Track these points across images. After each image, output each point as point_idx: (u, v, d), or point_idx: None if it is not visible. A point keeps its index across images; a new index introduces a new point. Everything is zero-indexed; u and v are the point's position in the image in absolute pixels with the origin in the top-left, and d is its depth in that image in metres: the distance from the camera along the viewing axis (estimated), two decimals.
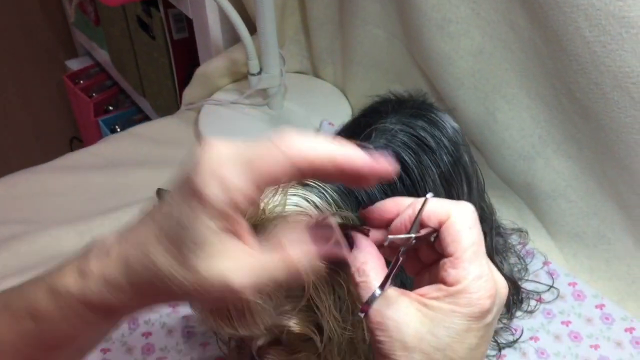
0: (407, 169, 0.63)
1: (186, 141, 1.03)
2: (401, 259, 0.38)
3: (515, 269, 0.80)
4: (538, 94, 0.77)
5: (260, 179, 0.34)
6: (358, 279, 0.38)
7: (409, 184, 0.62)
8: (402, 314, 0.36)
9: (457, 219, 0.38)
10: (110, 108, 1.62)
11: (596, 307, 0.77)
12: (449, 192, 0.66)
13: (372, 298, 0.37)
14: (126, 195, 0.91)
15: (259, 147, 0.34)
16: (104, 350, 0.72)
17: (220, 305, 0.43)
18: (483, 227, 0.75)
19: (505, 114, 0.82)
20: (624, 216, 0.75)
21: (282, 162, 0.34)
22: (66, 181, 0.93)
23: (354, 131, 0.68)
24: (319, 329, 0.49)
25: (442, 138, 0.67)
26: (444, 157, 0.66)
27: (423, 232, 0.39)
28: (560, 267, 0.81)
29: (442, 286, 0.37)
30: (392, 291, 0.37)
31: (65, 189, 0.92)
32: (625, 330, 0.74)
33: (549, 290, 0.79)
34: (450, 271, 0.36)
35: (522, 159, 0.83)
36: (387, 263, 0.40)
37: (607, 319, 0.75)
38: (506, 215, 0.86)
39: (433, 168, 0.65)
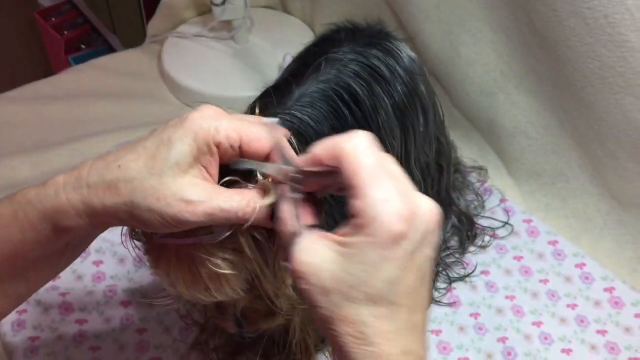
0: (358, 100, 0.61)
1: (149, 74, 1.01)
2: (295, 196, 0.38)
3: (472, 206, 0.80)
4: (501, 26, 0.75)
5: (244, 136, 0.41)
6: (281, 228, 0.38)
7: (359, 116, 0.61)
8: (319, 257, 0.35)
9: (349, 148, 0.35)
10: (82, 46, 1.59)
11: (549, 243, 0.77)
12: (403, 122, 0.65)
13: (292, 245, 0.36)
14: (84, 126, 0.90)
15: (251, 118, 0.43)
16: (21, 312, 0.71)
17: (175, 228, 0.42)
18: (440, 161, 0.75)
19: (469, 48, 0.81)
20: (581, 153, 0.74)
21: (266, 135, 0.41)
22: (24, 111, 0.92)
23: (305, 61, 0.66)
24: None
25: (397, 67, 0.65)
26: (398, 87, 0.65)
27: (315, 169, 0.38)
28: (516, 205, 0.81)
29: (352, 220, 0.35)
30: (311, 236, 0.36)
31: (23, 119, 0.90)
32: (576, 266, 0.75)
33: (503, 226, 0.79)
34: (353, 202, 0.34)
35: (484, 94, 0.82)
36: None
37: (559, 255, 0.76)
38: (468, 153, 0.86)
39: (386, 98, 0.63)
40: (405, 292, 0.35)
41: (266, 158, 0.42)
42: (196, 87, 0.95)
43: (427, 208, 0.35)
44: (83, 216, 0.41)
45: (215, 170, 0.42)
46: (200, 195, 0.39)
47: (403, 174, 0.36)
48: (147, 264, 0.49)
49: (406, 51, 0.67)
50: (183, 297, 0.49)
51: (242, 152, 0.42)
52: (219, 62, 0.99)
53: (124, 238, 0.50)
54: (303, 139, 0.56)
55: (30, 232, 0.42)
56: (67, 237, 0.43)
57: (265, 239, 0.45)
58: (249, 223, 0.41)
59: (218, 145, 0.41)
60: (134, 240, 0.49)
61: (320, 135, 0.58)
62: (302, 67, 0.64)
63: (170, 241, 0.44)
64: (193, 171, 0.40)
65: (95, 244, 0.74)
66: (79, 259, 0.73)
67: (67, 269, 0.71)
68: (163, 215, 0.39)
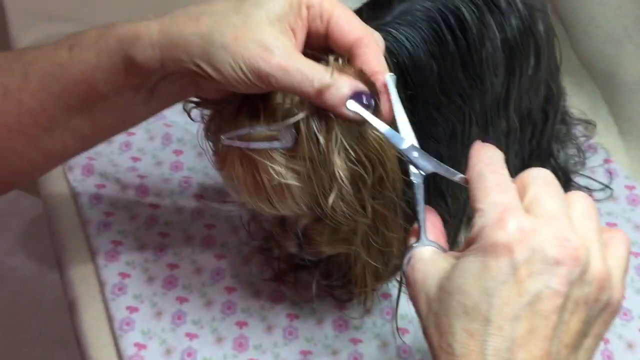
0: (465, 27, 0.56)
1: None
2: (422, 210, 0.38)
3: (572, 161, 0.74)
4: None
5: (337, 13, 0.41)
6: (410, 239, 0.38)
7: (463, 44, 0.56)
8: (435, 268, 0.35)
9: (481, 162, 0.36)
10: None
11: None
12: (511, 62, 0.59)
13: (409, 255, 0.37)
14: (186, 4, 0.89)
15: None
16: (134, 159, 0.73)
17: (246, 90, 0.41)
18: (547, 110, 0.69)
19: None
20: None
21: (356, 23, 0.42)
22: None
23: None
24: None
25: None
26: (513, 21, 0.58)
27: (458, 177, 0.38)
28: (621, 168, 0.74)
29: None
30: (430, 249, 0.36)
31: None
32: None
33: (603, 189, 0.72)
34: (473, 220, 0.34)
35: (610, 42, 0.74)
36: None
37: None
38: (577, 104, 0.79)
39: (496, 31, 0.58)
40: (504, 314, 0.31)
41: (349, 51, 0.41)
42: None
43: (544, 237, 0.32)
44: (155, 47, 0.40)
45: (301, 38, 0.41)
46: (281, 48, 0.38)
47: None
48: (215, 165, 0.48)
49: None
50: (246, 206, 0.49)
51: (328, 30, 0.41)
52: None
53: (200, 136, 0.50)
54: (395, 60, 0.52)
55: (105, 59, 0.42)
56: (135, 73, 0.42)
57: (326, 143, 0.42)
58: (324, 101, 0.39)
59: (309, 9, 0.40)
60: (207, 141, 0.49)
61: (414, 59, 0.54)
62: None
63: (236, 144, 0.44)
64: (280, 25, 0.39)
65: (178, 133, 0.76)
66: (160, 145, 0.75)
67: (148, 154, 0.74)
68: (236, 56, 0.38)
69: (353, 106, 0.40)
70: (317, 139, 0.42)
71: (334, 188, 0.44)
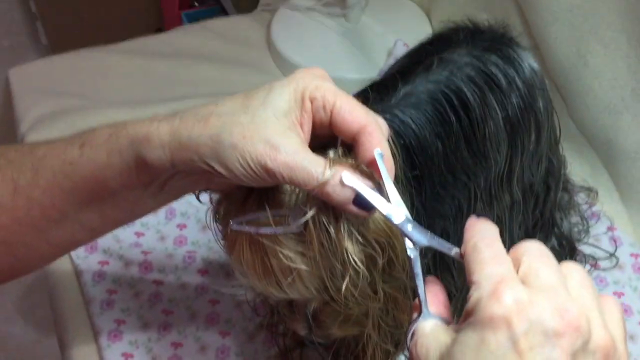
0: (468, 107, 0.57)
1: (256, 43, 1.00)
2: (422, 285, 0.37)
3: (576, 229, 0.74)
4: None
5: (339, 103, 0.40)
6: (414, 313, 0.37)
7: (466, 124, 0.57)
8: (433, 341, 0.34)
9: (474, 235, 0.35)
10: (196, 4, 1.61)
11: None
12: (513, 138, 0.60)
13: (411, 330, 0.36)
14: (186, 87, 0.90)
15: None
16: (138, 234, 0.73)
17: (256, 181, 0.41)
18: (548, 181, 0.69)
19: (599, 59, 0.74)
20: None
21: (358, 112, 0.41)
22: (130, 64, 0.93)
23: (416, 59, 0.62)
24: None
25: (516, 78, 0.60)
26: (514, 99, 0.60)
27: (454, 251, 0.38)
28: (625, 235, 0.74)
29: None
30: (431, 323, 0.36)
31: (128, 72, 0.92)
32: None
33: (608, 258, 0.72)
34: (470, 294, 0.33)
35: (607, 111, 0.75)
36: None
37: None
38: (578, 171, 0.79)
39: (498, 110, 0.59)
40: None
41: (352, 139, 0.41)
42: (300, 62, 0.92)
43: (542, 307, 0.31)
44: (166, 149, 0.40)
45: (307, 129, 0.41)
46: (287, 145, 0.39)
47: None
48: (223, 249, 0.48)
49: (528, 61, 0.62)
50: (254, 289, 0.48)
51: (331, 120, 0.41)
52: (328, 40, 0.96)
53: (209, 217, 0.50)
54: (402, 141, 0.53)
55: (116, 158, 0.42)
56: (146, 172, 0.43)
57: (336, 231, 0.42)
58: (328, 196, 0.39)
59: (312, 101, 0.40)
60: (216, 223, 0.49)
61: (420, 139, 0.54)
62: (412, 64, 0.60)
63: (245, 229, 0.44)
64: (287, 121, 0.40)
65: (181, 207, 0.76)
66: (164, 219, 0.74)
67: (152, 229, 0.74)
68: (244, 155, 0.38)
69: (349, 181, 0.39)
70: (327, 229, 0.42)
71: (347, 273, 0.44)
